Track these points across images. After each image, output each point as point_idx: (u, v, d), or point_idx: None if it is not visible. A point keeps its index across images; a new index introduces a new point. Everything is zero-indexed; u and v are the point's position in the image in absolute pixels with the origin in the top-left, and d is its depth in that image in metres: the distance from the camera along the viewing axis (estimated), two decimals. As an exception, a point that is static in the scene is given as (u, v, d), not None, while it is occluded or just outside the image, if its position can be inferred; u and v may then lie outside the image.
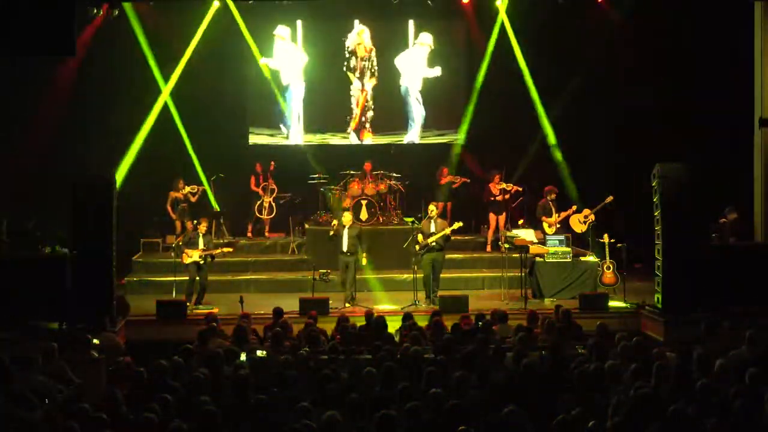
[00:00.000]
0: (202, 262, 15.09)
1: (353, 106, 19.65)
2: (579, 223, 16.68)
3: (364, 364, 9.14)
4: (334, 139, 19.85)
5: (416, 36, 19.55)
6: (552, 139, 18.92)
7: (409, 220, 16.69)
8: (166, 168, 18.44)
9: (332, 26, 19.57)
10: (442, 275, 15.55)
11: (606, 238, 15.71)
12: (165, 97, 18.59)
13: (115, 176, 13.83)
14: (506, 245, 15.83)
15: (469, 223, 18.33)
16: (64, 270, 13.49)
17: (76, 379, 9.68)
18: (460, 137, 19.54)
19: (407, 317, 12.60)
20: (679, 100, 18.09)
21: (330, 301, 14.66)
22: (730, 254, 14.62)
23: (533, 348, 10.36)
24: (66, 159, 17.15)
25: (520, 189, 17.79)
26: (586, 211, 16.60)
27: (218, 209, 18.37)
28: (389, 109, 19.74)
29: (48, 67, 17.25)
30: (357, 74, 19.54)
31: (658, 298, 14.18)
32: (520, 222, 17.66)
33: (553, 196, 16.80)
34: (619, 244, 15.59)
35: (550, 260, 15.82)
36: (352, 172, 18.43)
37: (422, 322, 12.41)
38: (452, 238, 15.84)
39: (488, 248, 18.01)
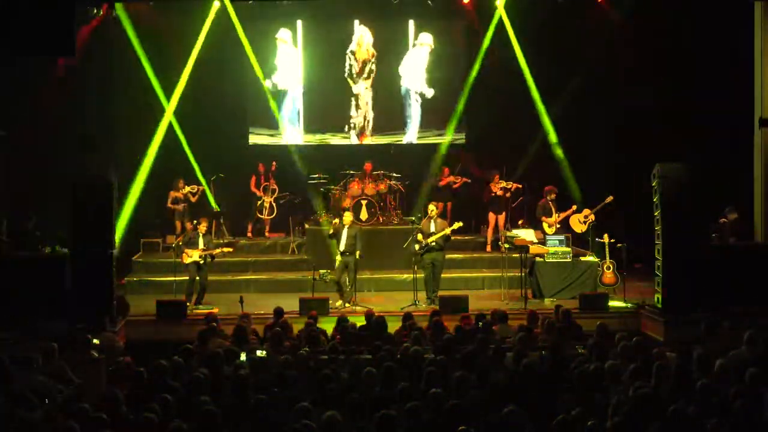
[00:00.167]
0: (201, 262, 15.08)
1: (353, 112, 19.61)
2: (579, 223, 16.68)
3: (364, 364, 9.13)
4: (334, 139, 19.83)
5: (416, 36, 19.55)
6: (553, 137, 18.92)
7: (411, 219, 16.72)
8: (165, 168, 18.43)
9: (332, 26, 19.56)
10: (442, 275, 15.53)
11: (606, 238, 15.71)
12: (166, 99, 18.59)
13: (112, 175, 13.78)
14: (506, 245, 15.83)
15: (469, 223, 18.33)
16: (64, 270, 13.50)
17: (76, 379, 9.67)
18: (447, 136, 19.54)
19: (407, 317, 12.60)
20: (679, 100, 18.09)
21: (330, 301, 14.68)
22: (730, 254, 14.64)
23: (533, 348, 10.36)
24: (66, 159, 17.14)
25: (520, 186, 17.78)
26: (586, 211, 16.60)
27: (218, 209, 18.36)
28: (389, 109, 19.73)
29: (48, 67, 17.24)
30: (358, 79, 19.53)
31: (658, 298, 14.18)
32: (520, 222, 17.66)
33: (553, 196, 16.80)
34: (619, 244, 15.58)
35: (550, 260, 15.82)
36: (352, 172, 18.43)
37: (422, 322, 12.41)
38: (452, 238, 15.84)
39: (488, 248, 18.01)
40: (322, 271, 15.41)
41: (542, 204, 16.83)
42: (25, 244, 15.22)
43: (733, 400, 7.67)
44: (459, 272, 17.02)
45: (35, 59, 15.64)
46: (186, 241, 15.33)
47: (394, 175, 18.53)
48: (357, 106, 19.65)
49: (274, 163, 18.68)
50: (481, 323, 11.92)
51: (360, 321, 12.64)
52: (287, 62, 19.50)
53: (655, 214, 14.18)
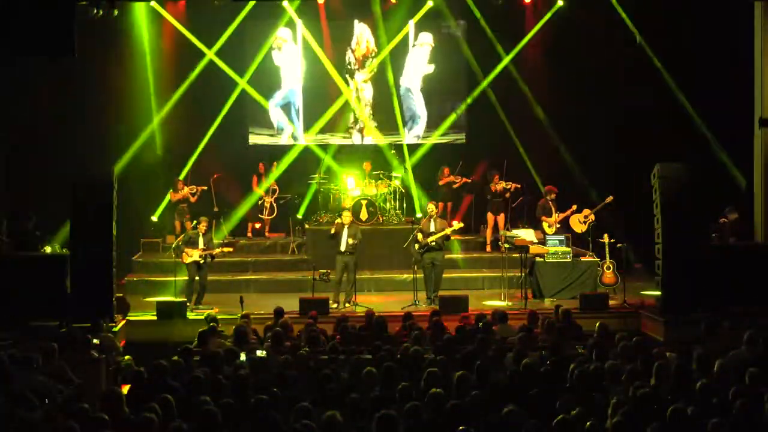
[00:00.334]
0: (201, 261, 15.08)
1: (354, 109, 19.63)
2: (579, 223, 16.68)
3: (364, 364, 9.13)
4: (334, 139, 19.81)
5: (416, 36, 19.54)
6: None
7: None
8: (165, 168, 18.44)
9: (332, 26, 19.57)
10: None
11: (606, 238, 15.71)
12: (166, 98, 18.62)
13: (113, 175, 13.78)
14: (506, 245, 15.83)
15: (469, 223, 18.34)
16: (64, 270, 13.50)
17: (76, 379, 9.67)
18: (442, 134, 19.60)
19: (407, 317, 12.61)
20: (679, 100, 18.09)
21: (330, 301, 14.69)
22: (730, 254, 14.64)
23: (533, 348, 10.37)
24: (66, 159, 17.12)
25: (519, 186, 17.77)
26: (586, 211, 16.61)
27: (217, 209, 18.34)
28: (389, 109, 19.73)
29: (47, 67, 17.23)
30: (357, 75, 19.54)
31: (658, 298, 14.19)
32: (521, 225, 17.65)
33: (553, 195, 16.81)
34: (619, 244, 15.58)
35: (550, 260, 15.83)
36: (353, 171, 18.42)
37: (422, 322, 12.41)
38: (452, 237, 15.85)
39: (488, 248, 18.01)
40: (322, 270, 15.42)
41: (542, 204, 16.84)
42: (25, 244, 15.21)
43: (733, 400, 7.67)
44: (459, 272, 17.02)
45: (35, 59, 15.63)
46: (186, 240, 15.33)
47: (394, 175, 18.53)
48: (357, 102, 19.62)
49: (275, 163, 18.68)
50: (481, 323, 11.92)
51: (360, 321, 12.66)
52: (287, 61, 19.48)
53: (655, 214, 14.19)
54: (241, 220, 18.71)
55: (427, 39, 19.51)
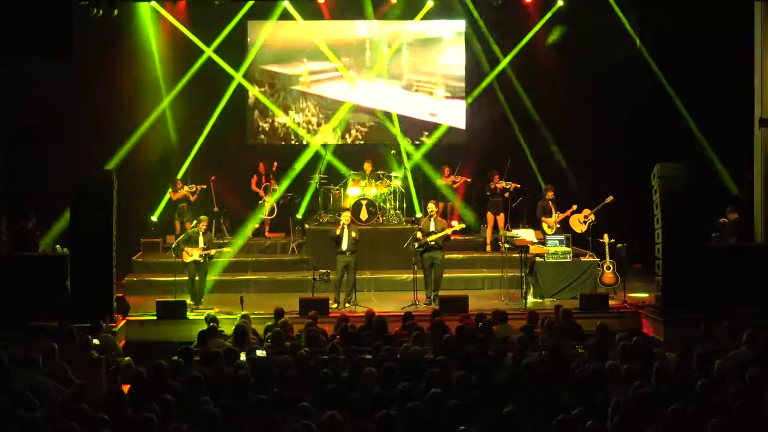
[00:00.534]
0: (201, 261, 15.08)
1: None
2: (579, 223, 16.68)
3: (364, 364, 9.14)
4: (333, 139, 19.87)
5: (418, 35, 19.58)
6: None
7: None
8: (165, 168, 18.44)
9: (332, 26, 19.59)
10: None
11: (606, 238, 15.71)
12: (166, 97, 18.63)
13: (113, 175, 13.78)
14: (506, 245, 15.83)
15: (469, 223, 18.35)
16: (64, 270, 13.51)
17: (76, 379, 9.68)
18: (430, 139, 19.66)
19: (407, 317, 12.61)
20: (679, 99, 18.08)
21: (330, 301, 14.68)
22: (730, 254, 14.63)
23: (533, 348, 10.37)
24: (66, 159, 17.13)
25: (519, 186, 17.77)
26: (586, 211, 16.59)
27: (216, 209, 18.34)
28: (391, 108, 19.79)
29: (47, 67, 17.23)
30: (362, 75, 19.61)
31: (658, 298, 14.19)
32: (521, 225, 17.64)
33: (551, 195, 16.81)
34: (619, 244, 15.58)
35: (550, 260, 15.82)
36: (352, 172, 18.44)
37: (422, 322, 12.40)
38: (452, 237, 15.86)
39: (488, 248, 18.00)
40: (322, 270, 15.42)
41: (542, 204, 16.84)
42: (25, 244, 15.22)
43: (733, 400, 7.68)
44: (459, 272, 17.02)
45: (34, 58, 15.63)
46: (186, 239, 15.33)
47: (394, 175, 18.53)
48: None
49: (275, 163, 18.68)
50: (481, 323, 11.92)
51: (360, 321, 12.65)
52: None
53: (655, 214, 14.20)
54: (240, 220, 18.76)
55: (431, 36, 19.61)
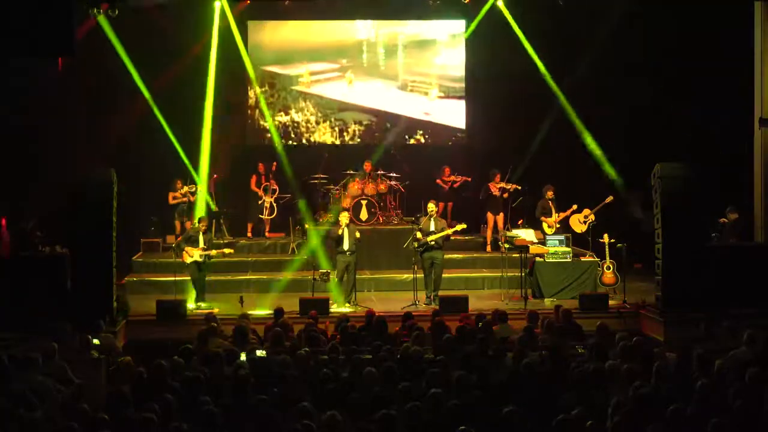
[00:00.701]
0: (201, 261, 15.07)
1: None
2: (579, 223, 16.68)
3: (364, 364, 9.14)
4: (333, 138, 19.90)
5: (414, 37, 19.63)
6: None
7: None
8: (164, 168, 18.44)
9: (333, 26, 19.61)
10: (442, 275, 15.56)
11: (606, 238, 15.70)
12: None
13: (113, 175, 13.77)
14: (506, 245, 15.83)
15: (470, 223, 18.30)
16: (64, 270, 13.50)
17: (76, 379, 9.67)
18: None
19: (407, 317, 12.61)
20: (679, 100, 18.09)
21: (330, 301, 14.69)
22: (730, 254, 14.63)
23: (533, 348, 10.37)
24: (66, 159, 17.13)
25: (519, 188, 17.76)
26: (586, 211, 16.59)
27: (216, 209, 18.34)
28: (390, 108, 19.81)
29: (47, 67, 17.22)
30: (359, 75, 19.65)
31: (658, 298, 14.19)
32: (520, 222, 17.65)
33: (551, 194, 16.81)
34: (619, 244, 15.58)
35: (550, 260, 15.82)
36: (352, 172, 18.44)
37: (422, 322, 12.40)
38: (452, 237, 15.86)
39: (488, 248, 18.00)
40: (322, 270, 15.41)
41: (541, 204, 16.84)
42: (25, 244, 15.21)
43: (733, 400, 7.68)
44: (459, 272, 17.02)
45: (33, 58, 15.62)
46: (186, 239, 15.33)
47: (394, 175, 18.53)
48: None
49: (275, 163, 18.68)
50: (481, 323, 11.92)
51: (360, 321, 12.65)
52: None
53: (655, 213, 14.19)
54: (240, 220, 18.75)
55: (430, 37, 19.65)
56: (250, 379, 8.63)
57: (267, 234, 18.74)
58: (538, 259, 15.82)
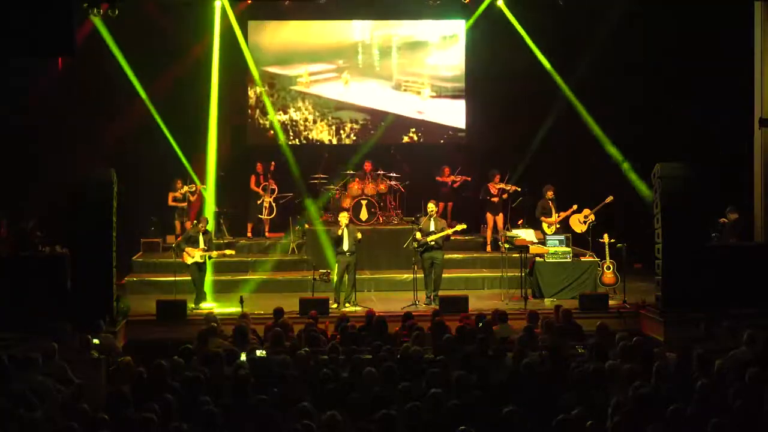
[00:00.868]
0: (201, 261, 15.07)
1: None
2: (579, 223, 16.67)
3: (364, 364, 9.14)
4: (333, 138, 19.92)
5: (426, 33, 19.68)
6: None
7: None
8: (164, 168, 18.44)
9: (332, 26, 19.62)
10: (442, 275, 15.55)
11: (606, 238, 15.70)
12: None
13: (113, 175, 13.77)
14: (506, 245, 15.83)
15: (470, 223, 18.30)
16: (64, 270, 13.50)
17: (76, 379, 9.68)
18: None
19: (407, 317, 12.61)
20: (679, 100, 18.09)
21: (330, 301, 14.69)
22: (730, 254, 14.63)
23: (533, 348, 10.37)
24: (66, 159, 17.13)
25: (518, 189, 17.75)
26: (586, 211, 16.59)
27: (217, 209, 18.32)
28: (389, 109, 19.83)
29: (47, 67, 17.22)
30: (352, 76, 19.69)
31: (657, 298, 14.19)
32: (520, 222, 17.65)
33: (551, 194, 16.81)
34: (619, 244, 15.58)
35: (550, 260, 15.82)
36: (352, 172, 18.44)
37: (422, 322, 12.40)
38: (452, 237, 15.86)
39: (488, 248, 18.00)
40: (322, 270, 15.41)
41: (541, 204, 16.84)
42: (25, 244, 15.21)
43: (733, 400, 7.68)
44: (459, 272, 17.02)
45: (33, 58, 15.62)
46: (186, 239, 15.33)
47: (394, 175, 18.54)
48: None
49: (273, 163, 18.67)
50: (481, 323, 11.92)
51: (360, 321, 12.65)
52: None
53: (655, 213, 14.19)
54: (240, 220, 18.75)
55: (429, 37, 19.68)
56: (250, 379, 8.63)
57: (267, 234, 18.74)
58: (538, 259, 15.82)
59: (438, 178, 18.61)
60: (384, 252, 17.20)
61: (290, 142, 19.72)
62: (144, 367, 9.15)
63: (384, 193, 18.31)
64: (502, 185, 17.69)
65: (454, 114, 19.88)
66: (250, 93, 19.81)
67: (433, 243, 15.20)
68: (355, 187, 18.17)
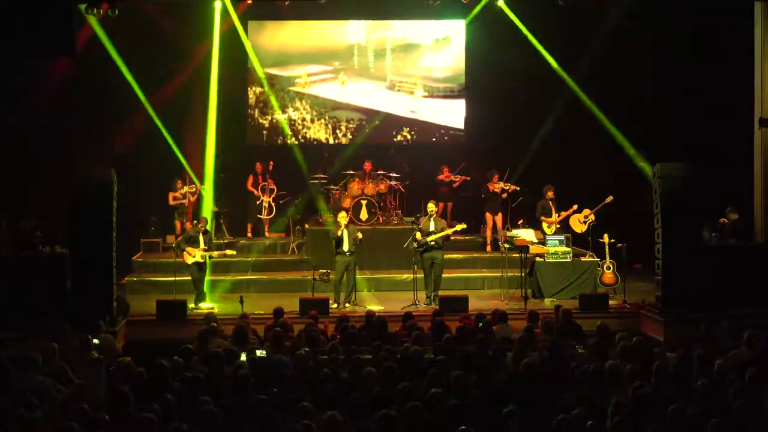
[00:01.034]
0: (202, 261, 15.07)
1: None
2: (579, 223, 16.68)
3: (364, 364, 9.14)
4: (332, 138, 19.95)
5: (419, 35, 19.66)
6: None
7: None
8: (164, 168, 18.44)
9: (329, 29, 19.67)
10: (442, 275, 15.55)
11: (606, 238, 15.70)
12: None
13: (113, 175, 13.77)
14: (506, 245, 15.83)
15: (470, 223, 18.31)
16: (64, 270, 13.50)
17: (76, 379, 9.68)
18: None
19: (407, 317, 12.60)
20: (679, 99, 18.09)
21: (330, 301, 14.69)
22: (730, 254, 14.63)
23: (533, 348, 10.37)
24: (65, 158, 17.13)
25: (518, 189, 17.74)
26: (586, 211, 16.59)
27: (217, 209, 18.32)
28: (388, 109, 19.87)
29: (47, 67, 17.23)
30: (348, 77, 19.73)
31: (657, 298, 14.19)
32: (520, 222, 17.65)
33: (551, 194, 16.81)
34: (619, 244, 15.58)
35: (550, 260, 15.82)
36: (352, 172, 18.44)
37: (422, 322, 12.40)
38: (452, 237, 15.87)
39: (488, 248, 17.99)
40: (322, 270, 15.41)
41: (541, 204, 16.84)
42: (25, 244, 15.21)
43: (733, 400, 7.68)
44: (459, 272, 17.02)
45: (33, 59, 15.62)
46: (186, 238, 15.32)
47: (394, 175, 18.53)
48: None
49: (271, 163, 18.67)
50: (481, 323, 11.92)
51: (360, 321, 12.65)
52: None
53: (655, 213, 14.19)
54: (240, 220, 18.75)
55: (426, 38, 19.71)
56: (250, 379, 8.62)
57: (267, 234, 18.74)
58: (538, 259, 15.83)
59: (439, 177, 18.62)
60: (384, 252, 17.20)
61: (288, 141, 19.77)
62: (144, 367, 9.15)
63: (384, 193, 18.31)
64: (501, 184, 17.68)
65: (445, 113, 20.04)
66: (250, 93, 19.83)
67: (433, 243, 15.20)
68: (355, 187, 18.17)
